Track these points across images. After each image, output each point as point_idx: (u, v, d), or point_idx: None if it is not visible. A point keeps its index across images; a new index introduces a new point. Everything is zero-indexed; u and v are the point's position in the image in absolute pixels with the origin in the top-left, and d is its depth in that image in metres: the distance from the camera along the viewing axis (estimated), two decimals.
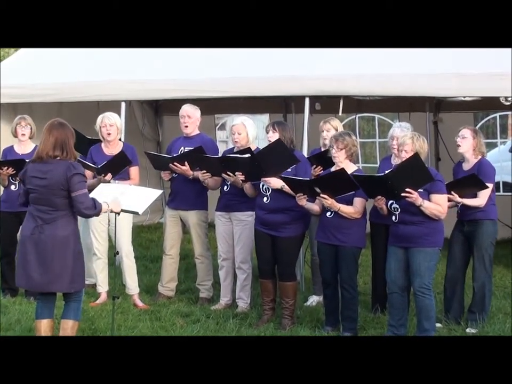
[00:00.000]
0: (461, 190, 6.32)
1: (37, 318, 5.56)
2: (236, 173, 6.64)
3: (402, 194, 5.79)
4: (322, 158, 6.99)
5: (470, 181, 6.37)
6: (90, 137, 7.61)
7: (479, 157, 6.51)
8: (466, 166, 6.56)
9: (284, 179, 6.29)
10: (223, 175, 6.80)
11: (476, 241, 6.49)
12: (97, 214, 5.50)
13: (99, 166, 7.07)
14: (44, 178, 5.32)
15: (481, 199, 6.41)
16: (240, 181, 6.70)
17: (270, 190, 6.47)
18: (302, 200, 6.21)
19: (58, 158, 5.33)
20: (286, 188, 6.33)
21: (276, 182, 6.40)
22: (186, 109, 7.32)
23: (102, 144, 7.32)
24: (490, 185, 6.43)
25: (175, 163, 7.08)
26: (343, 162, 6.26)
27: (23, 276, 5.47)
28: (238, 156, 6.66)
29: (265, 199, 6.52)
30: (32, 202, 5.42)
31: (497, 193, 6.36)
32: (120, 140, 7.45)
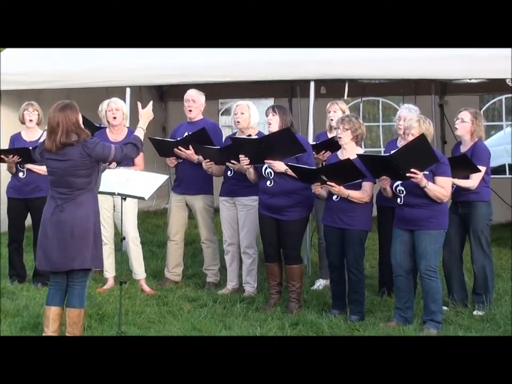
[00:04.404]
0: (453, 170, 6.31)
1: (47, 304, 5.57)
2: (240, 157, 6.62)
3: (407, 174, 5.79)
4: (328, 144, 6.98)
5: (461, 162, 6.36)
6: (98, 125, 7.54)
7: (476, 139, 6.50)
8: (463, 148, 6.57)
9: (290, 167, 6.29)
10: (227, 164, 6.81)
11: (471, 223, 6.49)
12: (141, 147, 5.54)
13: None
14: (61, 161, 5.32)
15: (472, 181, 6.40)
16: (245, 167, 6.69)
17: (273, 174, 6.47)
18: (318, 189, 6.22)
19: (73, 143, 5.31)
20: (290, 172, 6.34)
21: (280, 166, 6.39)
22: (191, 94, 7.33)
23: (107, 130, 7.30)
24: (483, 169, 6.40)
25: (179, 147, 7.09)
26: (348, 144, 6.26)
27: (43, 257, 5.46)
28: (245, 137, 6.64)
29: (268, 182, 6.51)
30: (52, 185, 5.44)
31: (503, 176, 6.37)
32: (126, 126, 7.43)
